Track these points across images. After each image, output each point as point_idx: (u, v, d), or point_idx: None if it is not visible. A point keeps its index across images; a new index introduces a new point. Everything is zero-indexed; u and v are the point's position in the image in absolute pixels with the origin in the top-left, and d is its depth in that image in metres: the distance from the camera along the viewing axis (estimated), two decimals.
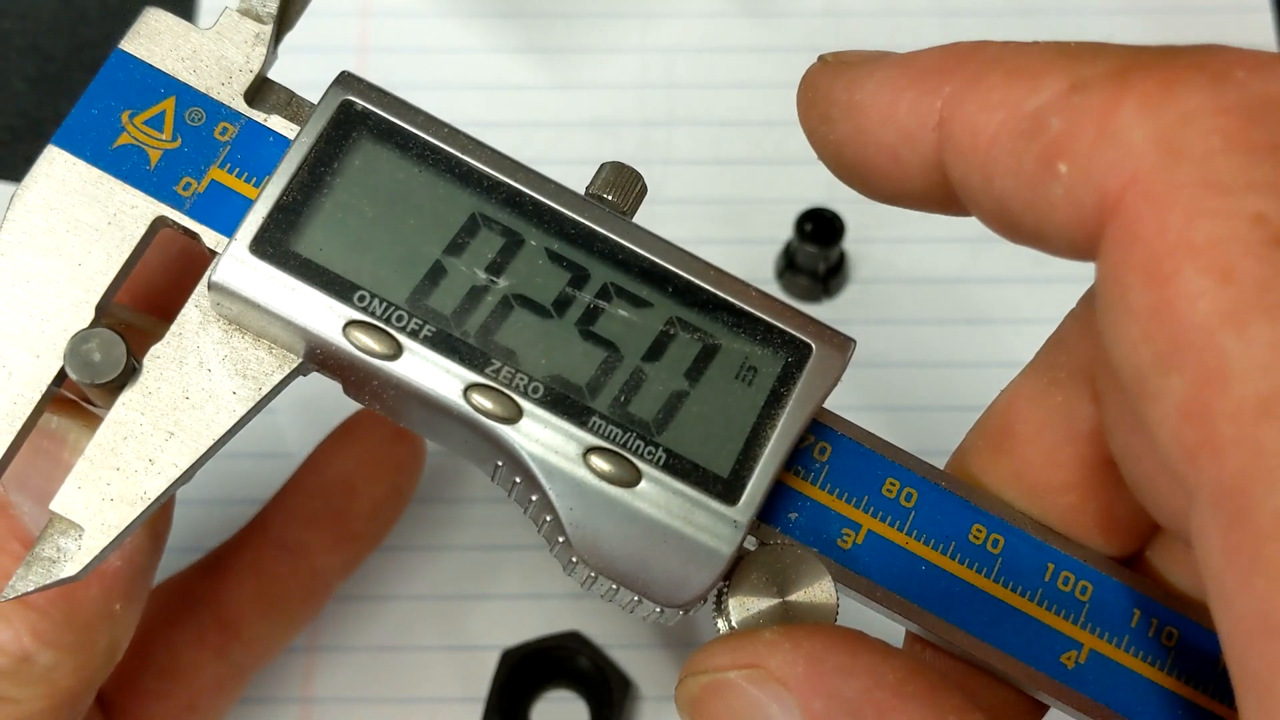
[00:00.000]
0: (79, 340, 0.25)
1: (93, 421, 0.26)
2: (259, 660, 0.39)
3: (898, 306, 0.48)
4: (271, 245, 0.25)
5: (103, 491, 0.24)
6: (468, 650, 0.43)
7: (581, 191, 0.27)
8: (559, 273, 0.26)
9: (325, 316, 0.25)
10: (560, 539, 0.25)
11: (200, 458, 0.25)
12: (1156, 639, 0.27)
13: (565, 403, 0.25)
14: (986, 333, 0.48)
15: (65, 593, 0.27)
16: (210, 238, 0.26)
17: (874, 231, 0.49)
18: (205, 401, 0.25)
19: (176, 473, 0.25)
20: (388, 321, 0.25)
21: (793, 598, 0.25)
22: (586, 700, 0.43)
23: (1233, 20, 0.55)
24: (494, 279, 0.26)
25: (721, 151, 0.51)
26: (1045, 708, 0.28)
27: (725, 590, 0.26)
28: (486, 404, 0.25)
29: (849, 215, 0.48)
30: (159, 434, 0.24)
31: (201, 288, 0.26)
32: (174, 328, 0.25)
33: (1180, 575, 0.28)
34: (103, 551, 0.24)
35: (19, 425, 0.25)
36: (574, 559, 0.25)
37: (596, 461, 0.25)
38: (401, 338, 0.25)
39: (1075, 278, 0.25)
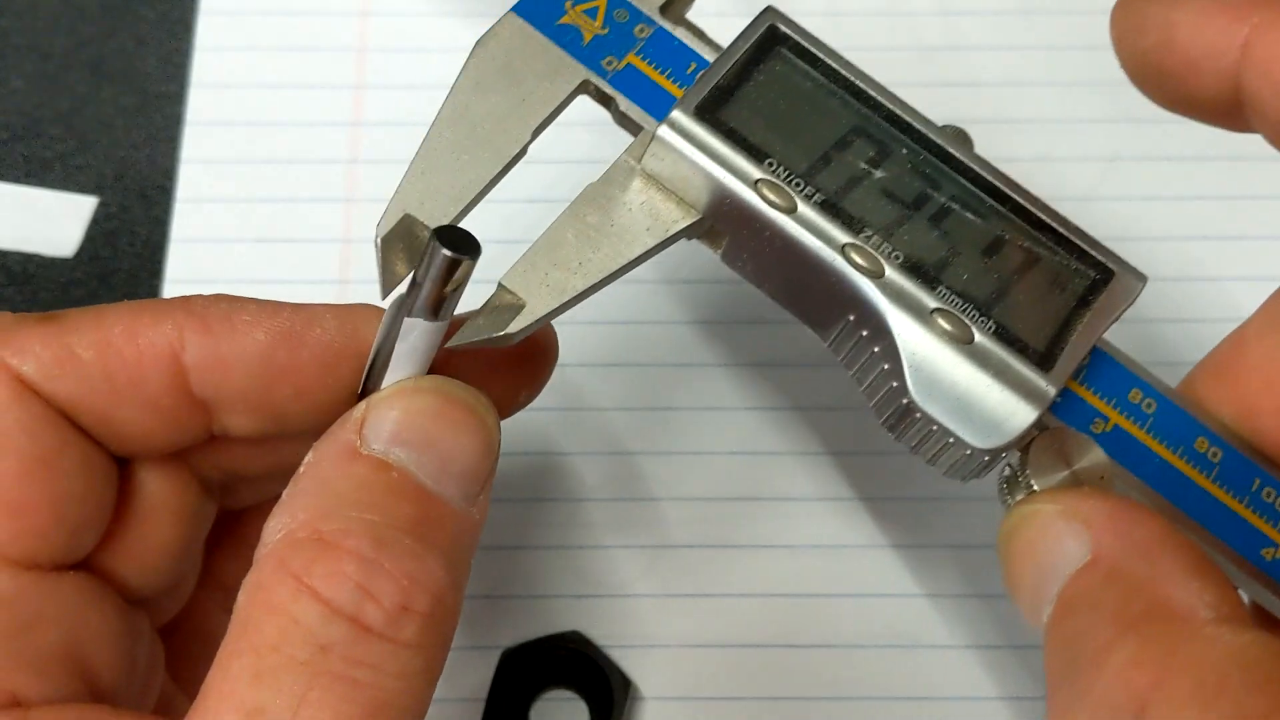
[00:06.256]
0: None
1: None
2: None
3: None
4: (708, 113, 0.31)
5: (541, 278, 0.30)
6: (468, 650, 0.43)
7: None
8: (918, 179, 0.32)
9: (742, 172, 0.31)
10: (894, 384, 0.30)
11: (614, 272, 0.31)
12: None
13: (919, 271, 0.31)
14: None
15: (467, 529, 0.29)
16: (623, 104, 0.32)
17: None
18: (624, 230, 0.31)
19: (596, 278, 0.30)
20: (788, 184, 0.31)
21: (1078, 467, 0.30)
22: (586, 700, 0.43)
23: None
24: (871, 170, 0.32)
25: None
26: None
27: (1020, 468, 0.31)
28: (859, 260, 0.30)
29: None
30: (587, 246, 0.31)
31: (634, 146, 0.32)
32: (605, 174, 0.31)
33: None
34: (534, 323, 0.30)
35: (474, 195, 0.31)
36: (905, 400, 0.30)
37: (940, 320, 0.30)
38: (798, 198, 0.31)
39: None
